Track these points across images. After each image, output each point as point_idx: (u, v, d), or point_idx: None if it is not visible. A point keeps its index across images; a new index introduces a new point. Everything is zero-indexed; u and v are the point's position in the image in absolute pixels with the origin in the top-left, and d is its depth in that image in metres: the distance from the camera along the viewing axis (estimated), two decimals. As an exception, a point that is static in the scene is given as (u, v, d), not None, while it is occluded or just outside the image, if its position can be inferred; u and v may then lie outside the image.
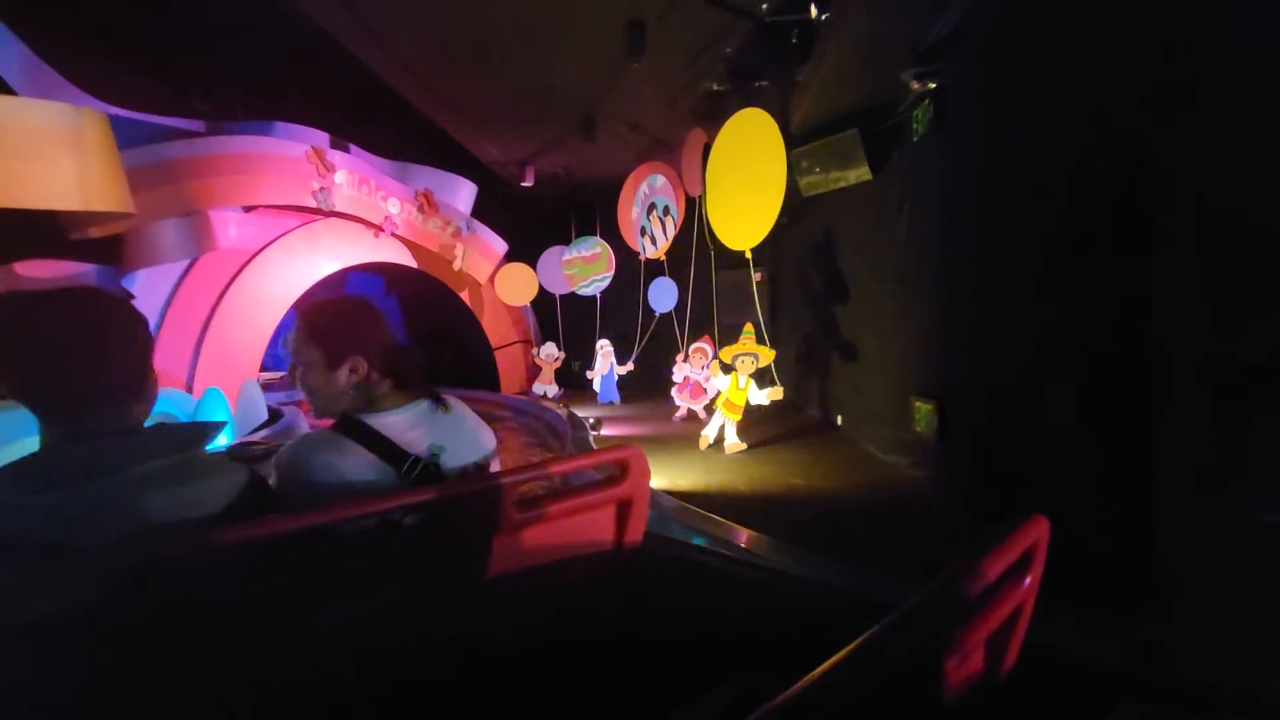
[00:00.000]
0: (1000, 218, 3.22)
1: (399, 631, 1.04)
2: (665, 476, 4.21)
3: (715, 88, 6.45)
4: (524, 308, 11.18)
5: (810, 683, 0.53)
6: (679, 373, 7.10)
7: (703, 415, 6.89)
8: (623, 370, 8.87)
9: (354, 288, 13.95)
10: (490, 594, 1.16)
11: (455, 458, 1.22)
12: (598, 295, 9.37)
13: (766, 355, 4.93)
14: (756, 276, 10.04)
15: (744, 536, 2.58)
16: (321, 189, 7.86)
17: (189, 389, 6.91)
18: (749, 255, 4.72)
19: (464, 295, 10.61)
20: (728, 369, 5.25)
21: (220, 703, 0.87)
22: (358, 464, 1.12)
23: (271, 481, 1.12)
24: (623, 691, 1.29)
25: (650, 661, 1.30)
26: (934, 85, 3.54)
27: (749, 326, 5.11)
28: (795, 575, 1.28)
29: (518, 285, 10.24)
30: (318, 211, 8.22)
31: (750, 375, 5.08)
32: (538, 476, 1.23)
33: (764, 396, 4.98)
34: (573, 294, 9.90)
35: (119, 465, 0.87)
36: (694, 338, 7.08)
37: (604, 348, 8.95)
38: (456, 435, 1.25)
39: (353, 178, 8.42)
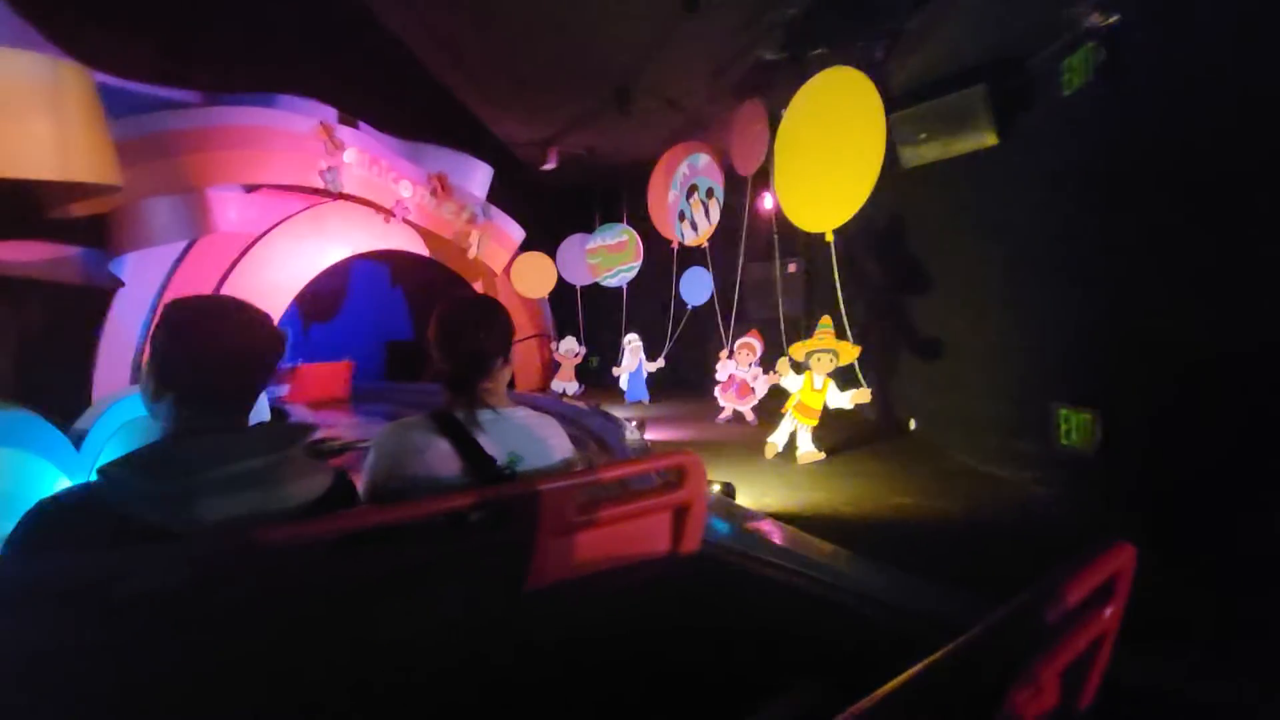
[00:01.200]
0: (1193, 190, 2.62)
1: (461, 627, 1.09)
2: (745, 495, 3.62)
3: (769, 56, 5.82)
4: (539, 300, 10.56)
5: (867, 706, 0.51)
6: (723, 370, 6.50)
7: (750, 417, 6.30)
8: (652, 367, 8.27)
9: (358, 277, 13.30)
10: (548, 595, 1.18)
11: (531, 467, 1.28)
12: (624, 287, 8.75)
13: (848, 352, 4.32)
14: (790, 267, 9.50)
15: (810, 547, 2.36)
16: (330, 168, 7.21)
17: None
18: (830, 238, 4.13)
19: (478, 286, 9.97)
20: (799, 368, 4.65)
21: (297, 685, 0.92)
22: (442, 457, 1.22)
23: (366, 463, 1.24)
24: (676, 703, 1.29)
25: (705, 673, 1.29)
26: (1115, 20, 2.90)
27: (826, 320, 4.51)
28: (863, 591, 1.23)
29: (536, 275, 9.60)
30: (325, 193, 7.57)
31: (828, 375, 4.48)
32: (595, 480, 1.24)
33: (846, 400, 4.37)
34: (594, 285, 9.28)
35: (223, 460, 0.95)
36: (740, 332, 6.47)
37: (632, 342, 8.34)
38: (534, 445, 1.32)
39: (363, 157, 7.77)
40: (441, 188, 8.82)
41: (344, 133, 7.51)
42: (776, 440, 4.66)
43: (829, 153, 4.08)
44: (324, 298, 13.81)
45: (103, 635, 0.79)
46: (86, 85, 4.44)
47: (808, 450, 4.52)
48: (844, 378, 4.55)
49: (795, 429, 4.59)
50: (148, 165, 5.68)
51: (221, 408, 1.01)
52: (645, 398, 8.31)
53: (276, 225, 7.22)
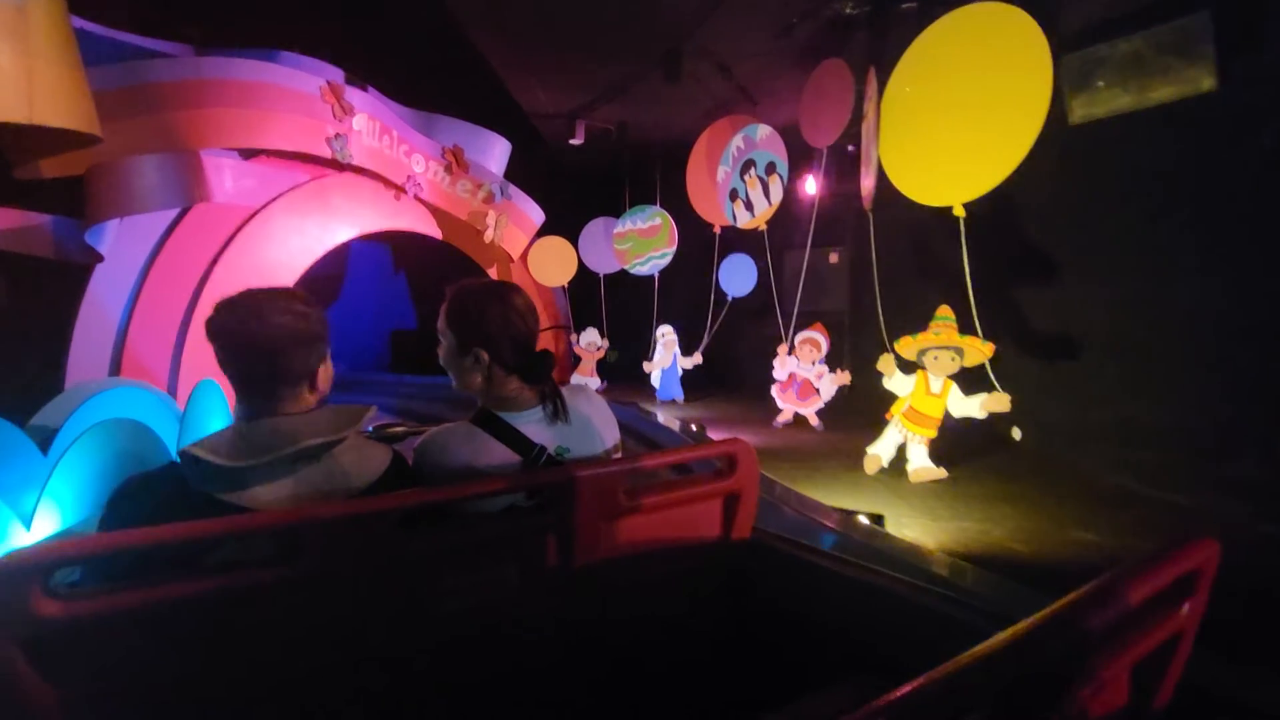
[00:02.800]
0: None
1: (513, 606, 1.14)
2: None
3: (849, 10, 5.13)
4: (555, 289, 9.81)
5: (919, 687, 0.50)
6: (782, 369, 5.82)
7: (815, 422, 5.62)
8: (688, 363, 7.56)
9: (358, 261, 12.48)
10: (598, 578, 1.19)
11: (579, 455, 1.29)
12: (655, 275, 8.03)
13: (978, 350, 3.62)
14: (832, 257, 8.82)
15: (866, 537, 2.22)
16: (338, 135, 6.43)
17: (171, 382, 5.47)
18: (961, 213, 3.46)
19: (492, 272, 9.20)
20: (908, 368, 3.97)
21: (353, 651, 1.01)
22: (490, 456, 1.21)
23: (414, 458, 1.25)
24: (722, 687, 1.32)
25: (754, 659, 1.33)
26: None
27: (945, 311, 3.82)
28: (923, 583, 1.17)
29: (556, 262, 8.86)
30: (331, 165, 6.78)
31: (950, 378, 3.81)
32: (647, 466, 1.23)
33: (976, 406, 3.69)
34: (620, 274, 8.56)
35: (285, 442, 1.01)
36: (801, 325, 5.79)
37: (665, 335, 7.63)
38: (581, 436, 1.30)
39: (373, 125, 6.98)
40: (456, 163, 8.04)
41: (353, 96, 6.71)
42: (880, 452, 3.99)
43: (965, 110, 3.39)
44: (321, 282, 12.97)
45: (197, 596, 0.89)
46: (57, 14, 3.64)
47: (923, 466, 3.84)
48: (964, 380, 3.86)
49: (905, 440, 3.91)
50: (131, 120, 4.89)
51: (276, 392, 1.08)
52: (679, 396, 7.62)
53: (277, 198, 6.43)
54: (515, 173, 8.68)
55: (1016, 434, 4.48)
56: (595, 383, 8.50)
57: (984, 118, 3.38)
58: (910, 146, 3.68)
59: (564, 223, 9.05)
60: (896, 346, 3.95)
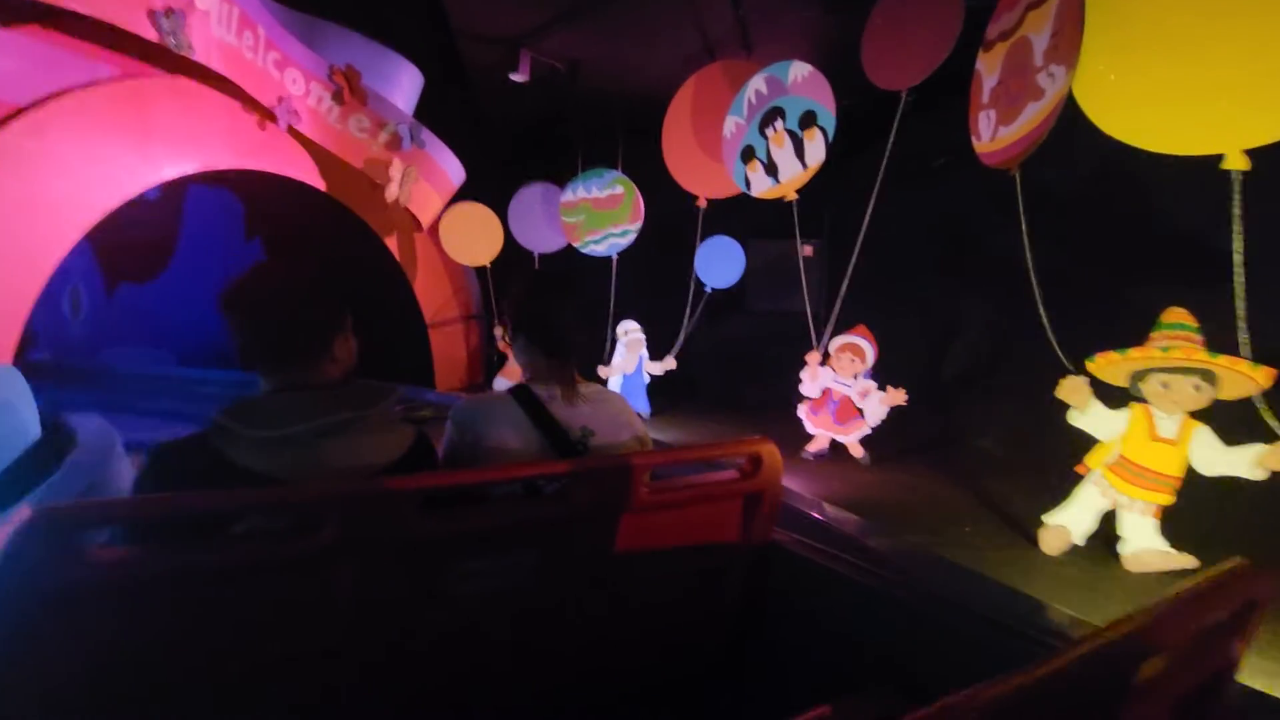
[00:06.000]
0: None
1: (532, 592, 1.14)
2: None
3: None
4: (465, 269, 7.87)
5: (953, 705, 0.48)
6: (813, 383, 4.46)
7: (859, 453, 4.32)
8: (658, 368, 6.03)
9: (196, 216, 9.66)
10: (615, 570, 1.19)
11: (603, 442, 1.32)
12: (613, 258, 6.41)
13: (1245, 377, 2.35)
14: (806, 249, 7.68)
15: (891, 544, 1.58)
16: (169, 10, 4.19)
17: None
18: (1242, 164, 2.23)
19: (391, 243, 7.11)
20: (1116, 395, 2.69)
21: (372, 625, 1.02)
22: (519, 430, 1.26)
23: (446, 429, 1.30)
24: (736, 692, 1.33)
25: (770, 663, 1.32)
26: None
27: (1178, 315, 2.58)
28: (949, 596, 1.15)
29: (476, 235, 6.95)
30: (157, 56, 4.50)
31: (1193, 415, 2.55)
32: (668, 460, 1.25)
33: (1246, 463, 2.40)
34: (564, 254, 6.85)
35: (309, 414, 1.03)
36: (840, 328, 4.47)
37: (630, 333, 6.05)
38: (608, 422, 1.34)
39: (229, 10, 4.76)
40: (350, 90, 5.93)
41: (197, -41, 4.47)
42: (1069, 522, 2.71)
43: (1244, 15, 2.18)
44: (140, 246, 9.93)
45: (222, 563, 0.90)
46: None
47: (1150, 548, 2.56)
48: (1220, 419, 2.55)
49: (1113, 507, 2.65)
50: None
51: (294, 365, 1.11)
52: (644, 410, 6.04)
53: (58, 95, 4.08)
54: (426, 115, 6.66)
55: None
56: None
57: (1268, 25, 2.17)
58: (1145, 75, 2.41)
59: (487, 186, 7.14)
60: (1095, 365, 2.68)
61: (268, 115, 5.39)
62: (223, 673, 0.95)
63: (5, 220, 3.83)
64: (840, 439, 4.37)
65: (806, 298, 4.61)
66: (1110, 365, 2.65)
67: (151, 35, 4.14)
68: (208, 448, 1.01)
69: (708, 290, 5.99)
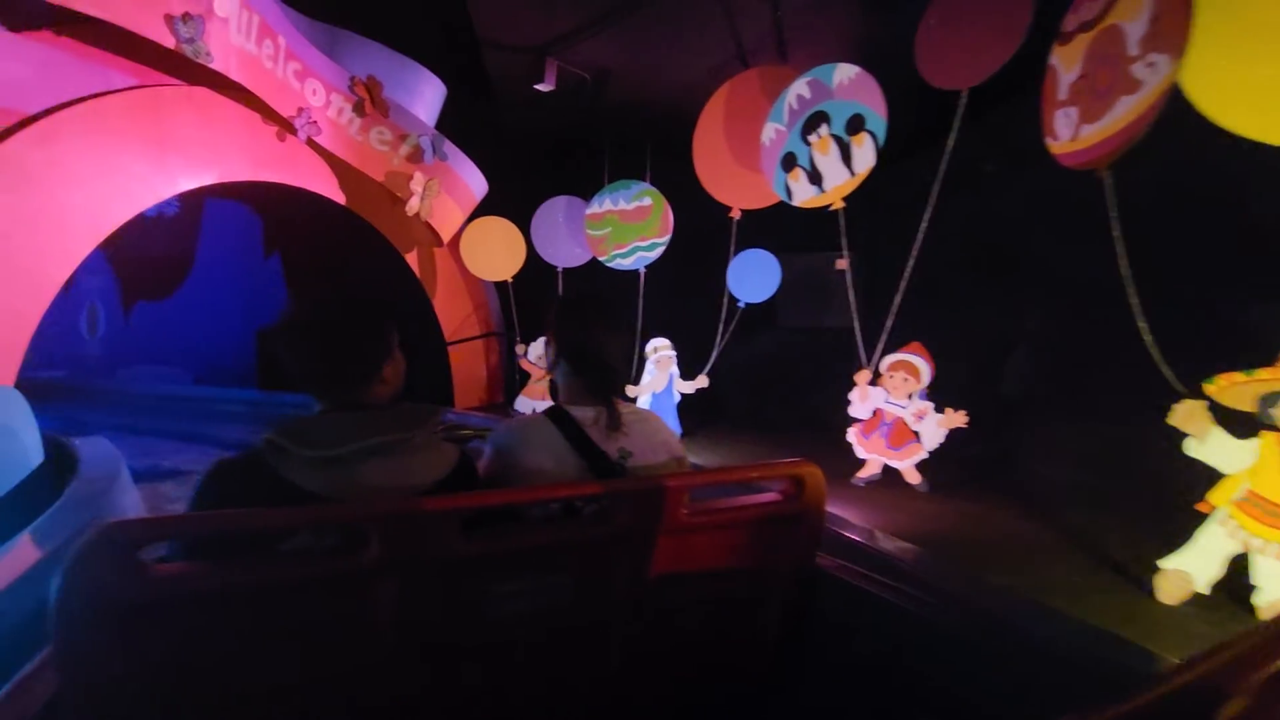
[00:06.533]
0: None
1: (568, 614, 1.13)
2: None
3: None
4: (486, 285, 7.66)
5: None
6: (863, 404, 4.15)
7: (915, 479, 3.98)
8: (689, 387, 5.74)
9: (214, 234, 9.56)
10: (654, 592, 1.17)
11: (641, 463, 1.31)
12: (641, 272, 6.15)
13: None
14: (839, 263, 7.42)
15: (945, 573, 1.79)
16: (187, 15, 4.02)
17: None
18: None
19: (411, 259, 6.90)
20: (1240, 421, 2.37)
21: (413, 643, 1.02)
22: (557, 453, 1.26)
23: (485, 451, 1.30)
24: (774, 717, 1.29)
25: (809, 692, 1.29)
26: None
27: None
28: (1009, 628, 1.13)
29: (498, 250, 6.73)
30: (173, 64, 4.35)
31: None
32: (707, 481, 1.29)
33: None
34: (588, 268, 6.61)
35: (358, 435, 1.05)
36: (893, 345, 4.16)
37: (660, 350, 5.77)
38: (646, 443, 1.33)
39: (249, 18, 4.60)
40: (371, 101, 5.76)
41: (217, -35, 4.32)
42: (1191, 568, 2.37)
43: None
44: (158, 263, 9.86)
45: (274, 579, 0.92)
46: None
47: None
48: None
49: (1244, 549, 2.32)
50: None
51: (345, 387, 1.14)
52: (675, 430, 5.73)
53: (71, 105, 3.91)
54: (445, 127, 6.48)
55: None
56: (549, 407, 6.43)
57: None
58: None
59: (509, 200, 6.94)
60: (1215, 389, 2.36)
61: (287, 127, 5.23)
62: (271, 687, 0.96)
63: (9, 234, 3.63)
64: (894, 464, 4.04)
65: (855, 313, 4.30)
66: (1234, 388, 2.32)
67: (169, 41, 3.97)
68: (262, 465, 1.04)
69: (741, 305, 5.71)
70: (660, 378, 5.73)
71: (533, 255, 6.70)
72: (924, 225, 3.89)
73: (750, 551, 1.26)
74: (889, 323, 4.07)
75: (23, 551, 2.22)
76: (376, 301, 1.21)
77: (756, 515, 1.25)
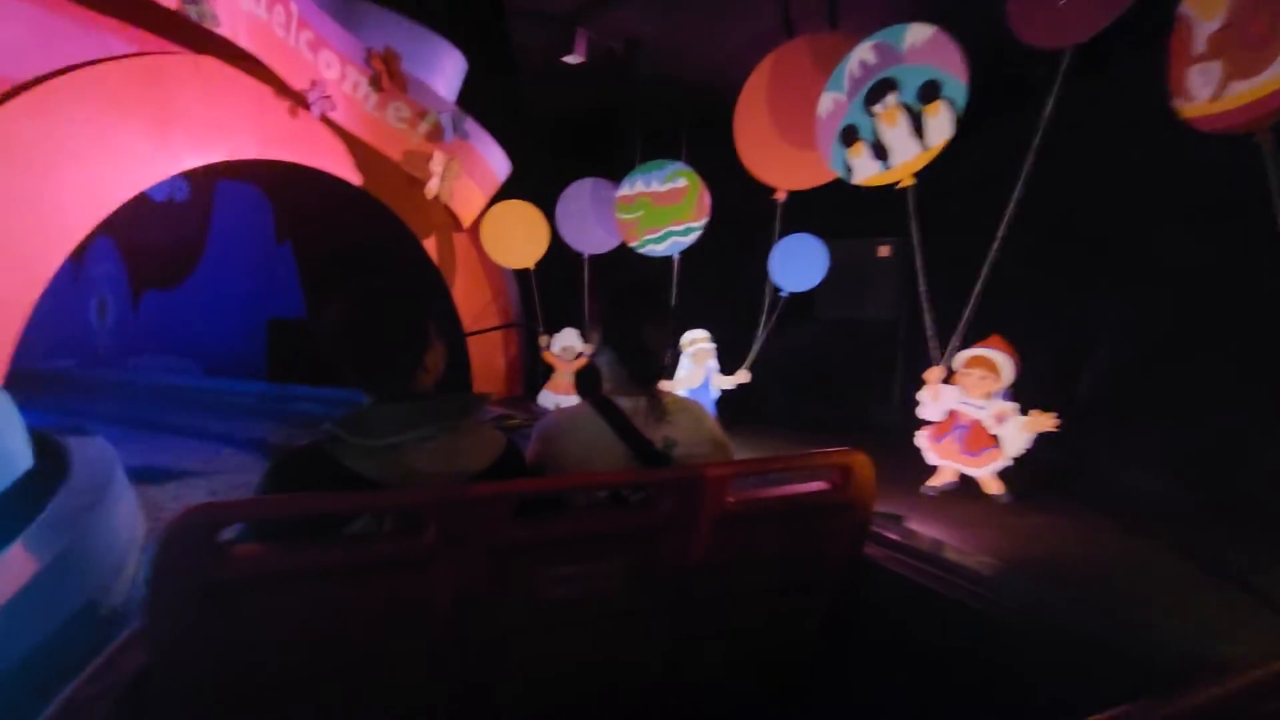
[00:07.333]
0: None
1: (615, 600, 1.14)
2: None
3: None
4: (505, 273, 7.29)
5: None
6: (934, 404, 3.75)
7: (995, 489, 3.59)
8: (729, 382, 5.36)
9: (225, 222, 9.24)
10: (700, 580, 1.18)
11: (686, 452, 1.31)
12: (675, 258, 5.76)
13: None
14: (882, 250, 6.98)
15: (1000, 568, 1.50)
16: (191, -26, 3.65)
17: None
18: None
19: (429, 245, 6.54)
20: None
21: (466, 625, 1.04)
22: (603, 442, 1.27)
23: (531, 439, 1.32)
24: (821, 707, 1.29)
25: (858, 684, 1.28)
26: None
27: None
28: (1059, 624, 1.09)
29: (520, 236, 6.35)
30: (177, 30, 3.98)
31: None
32: (752, 470, 1.27)
33: None
34: (616, 255, 6.22)
35: (409, 424, 1.10)
36: (970, 339, 3.75)
37: (697, 343, 5.39)
38: (690, 431, 1.33)
39: (258, -20, 4.22)
40: (389, 75, 5.38)
41: (223, -80, 3.94)
42: None
43: None
44: (168, 252, 9.56)
45: (341, 561, 0.97)
46: None
47: None
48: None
49: None
50: None
51: (391, 381, 1.17)
52: (713, 430, 5.35)
53: (67, 71, 3.55)
54: (465, 104, 6.09)
55: None
56: (575, 401, 6.05)
57: None
58: None
59: (532, 182, 6.56)
60: None
61: (299, 101, 4.86)
62: (337, 664, 1.00)
63: (1, 217, 3.29)
64: (971, 472, 3.64)
65: (925, 302, 3.88)
66: None
67: (171, 2, 3.60)
68: (324, 454, 1.08)
69: (783, 294, 5.31)
70: (697, 372, 5.35)
71: (556, 242, 6.32)
72: (1013, 202, 3.47)
73: (797, 541, 1.26)
74: (966, 314, 3.65)
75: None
76: (412, 293, 1.22)
77: (803, 504, 1.24)
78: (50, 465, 2.90)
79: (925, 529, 3.13)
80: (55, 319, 9.75)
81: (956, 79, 3.58)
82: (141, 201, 4.26)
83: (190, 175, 6.13)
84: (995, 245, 3.53)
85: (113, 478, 2.74)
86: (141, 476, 4.28)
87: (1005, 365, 3.59)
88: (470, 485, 1.06)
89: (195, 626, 0.87)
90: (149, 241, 9.38)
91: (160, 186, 8.99)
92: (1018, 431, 3.52)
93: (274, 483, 1.08)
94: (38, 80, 3.45)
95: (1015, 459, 3.56)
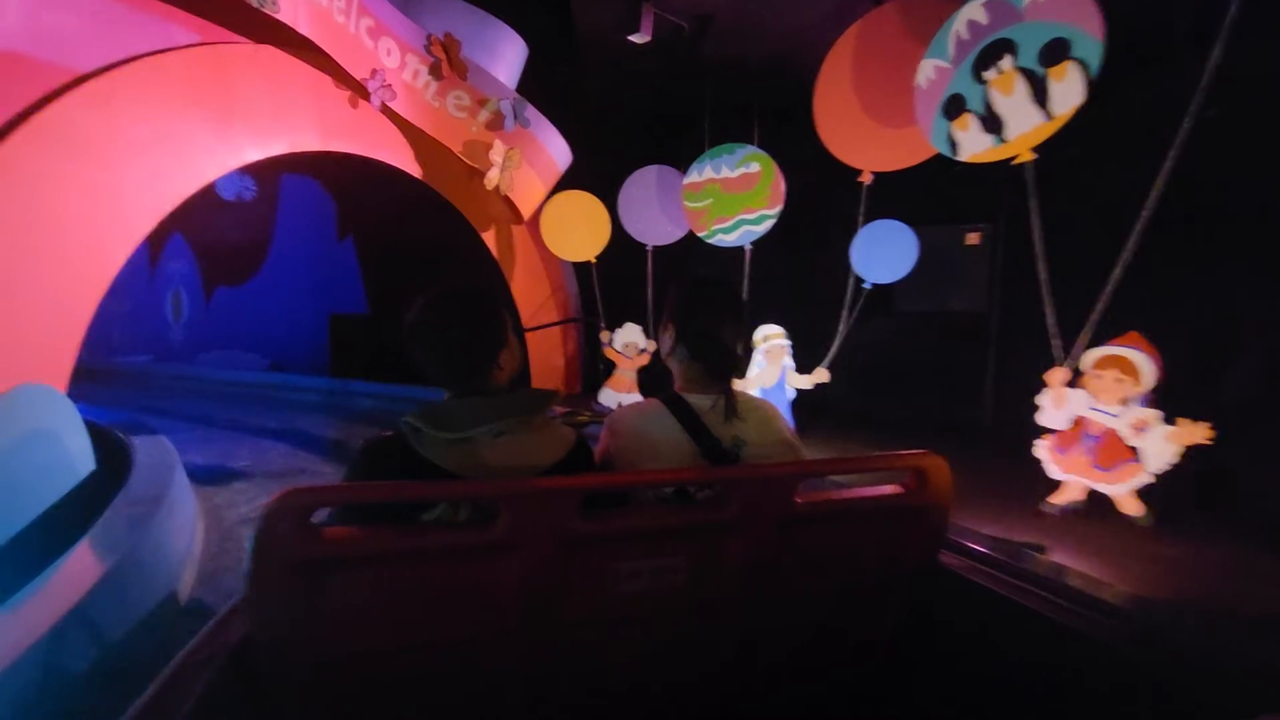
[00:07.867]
0: None
1: (681, 596, 1.13)
2: None
3: None
4: (564, 266, 7.06)
5: None
6: (1058, 411, 3.28)
7: (1134, 509, 3.11)
8: (806, 382, 4.97)
9: (290, 219, 9.35)
10: (766, 580, 1.17)
11: (755, 452, 1.28)
12: (747, 249, 5.38)
13: None
14: (971, 237, 6.47)
15: (1088, 582, 1.36)
16: (249, -44, 3.50)
17: None
18: None
19: (488, 238, 6.36)
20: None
21: (534, 614, 1.06)
22: (672, 438, 1.26)
23: (601, 435, 1.32)
24: (887, 717, 1.26)
25: (928, 695, 1.24)
26: None
27: None
28: (1167, 646, 1.02)
29: (581, 228, 6.09)
30: (242, 20, 3.86)
31: None
32: (822, 471, 1.28)
33: None
34: (684, 245, 5.88)
35: (483, 419, 1.14)
36: (1101, 336, 3.26)
37: (771, 339, 5.02)
38: (760, 431, 1.30)
39: (317, -37, 4.06)
40: (449, 62, 5.18)
41: (282, -100, 3.79)
42: None
43: None
44: (237, 249, 9.73)
45: (418, 547, 1.00)
46: None
47: None
48: None
49: None
50: None
51: (467, 377, 1.20)
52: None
53: (127, 62, 3.46)
54: (525, 91, 5.85)
55: None
56: (636, 400, 5.76)
57: None
58: None
59: (593, 172, 6.29)
60: None
61: (360, 91, 4.71)
62: (419, 644, 1.03)
63: (61, 212, 3.22)
64: (1105, 489, 3.17)
65: (1045, 293, 3.41)
66: None
67: (230, -12, 3.46)
68: (404, 445, 1.12)
69: (866, 286, 4.88)
70: (771, 370, 4.98)
71: (618, 233, 6.03)
72: (1158, 185, 2.96)
73: (867, 545, 1.24)
74: (1099, 306, 3.17)
75: (47, 599, 1.72)
76: (488, 293, 1.25)
77: (875, 507, 1.22)
78: (111, 469, 2.80)
79: (1056, 558, 2.70)
80: (133, 316, 10.10)
81: (1090, 36, 3.09)
82: (212, 199, 4.19)
83: (255, 171, 6.12)
84: (1138, 227, 3.02)
85: (168, 489, 2.60)
86: (208, 475, 4.24)
87: (1145, 367, 3.10)
88: (541, 478, 1.09)
89: (289, 600, 0.94)
90: (220, 239, 9.60)
91: (230, 184, 9.16)
92: (1163, 443, 3.03)
93: (359, 470, 1.12)
94: (99, 71, 3.36)
95: (1156, 475, 3.07)
